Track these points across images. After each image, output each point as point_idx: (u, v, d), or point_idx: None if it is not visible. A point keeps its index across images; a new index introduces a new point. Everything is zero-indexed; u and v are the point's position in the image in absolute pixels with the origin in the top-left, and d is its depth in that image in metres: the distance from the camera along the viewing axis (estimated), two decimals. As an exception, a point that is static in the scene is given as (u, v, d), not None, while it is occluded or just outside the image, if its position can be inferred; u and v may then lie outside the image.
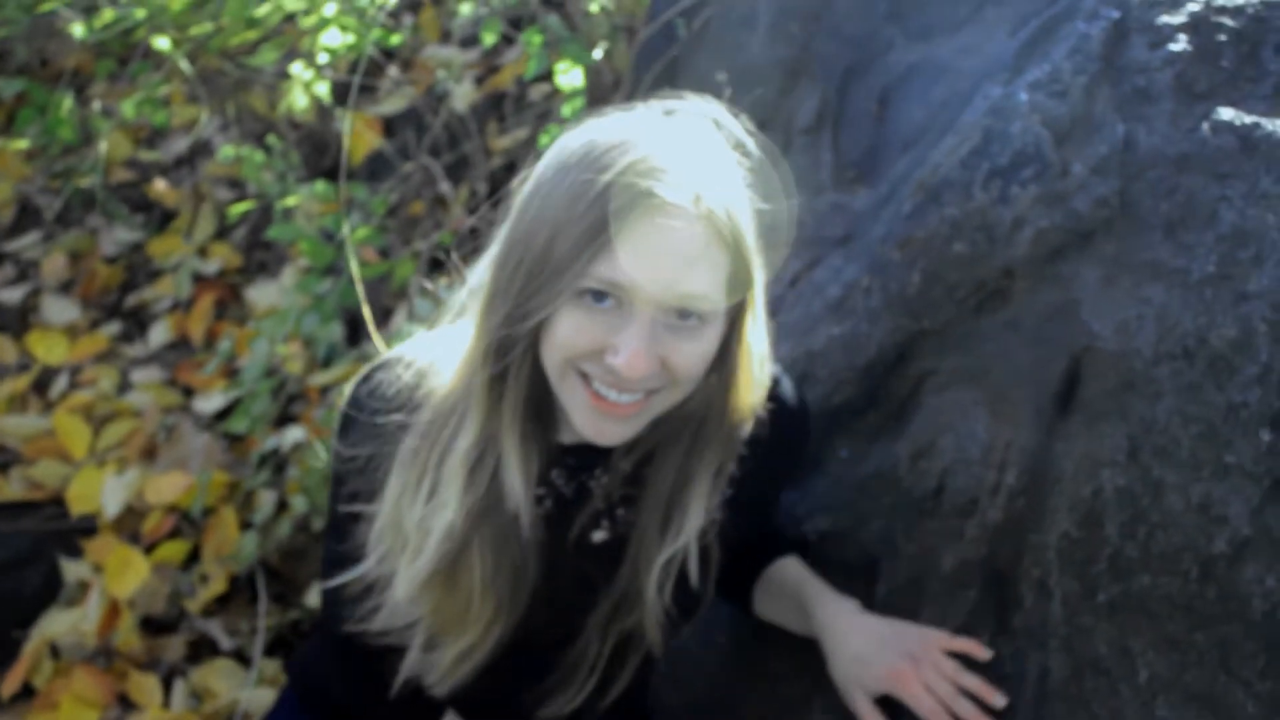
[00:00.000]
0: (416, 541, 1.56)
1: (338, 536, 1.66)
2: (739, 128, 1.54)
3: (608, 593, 1.65)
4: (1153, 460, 1.59)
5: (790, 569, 1.88)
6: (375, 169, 3.46)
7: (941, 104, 2.16)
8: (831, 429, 2.00)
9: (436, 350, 1.61)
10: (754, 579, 1.91)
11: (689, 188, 1.39)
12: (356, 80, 2.70)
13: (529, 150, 3.08)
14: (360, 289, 2.50)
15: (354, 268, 2.46)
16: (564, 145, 1.46)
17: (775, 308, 2.22)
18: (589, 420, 1.47)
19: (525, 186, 1.48)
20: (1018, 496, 1.71)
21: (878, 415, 1.95)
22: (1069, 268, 1.77)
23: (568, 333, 1.41)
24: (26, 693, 2.81)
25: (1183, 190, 1.70)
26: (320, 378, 3.14)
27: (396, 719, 1.78)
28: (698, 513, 1.61)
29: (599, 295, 1.39)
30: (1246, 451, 1.53)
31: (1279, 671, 1.47)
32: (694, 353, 1.44)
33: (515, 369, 1.47)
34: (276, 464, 2.95)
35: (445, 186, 3.11)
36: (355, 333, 3.12)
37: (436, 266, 3.06)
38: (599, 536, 1.66)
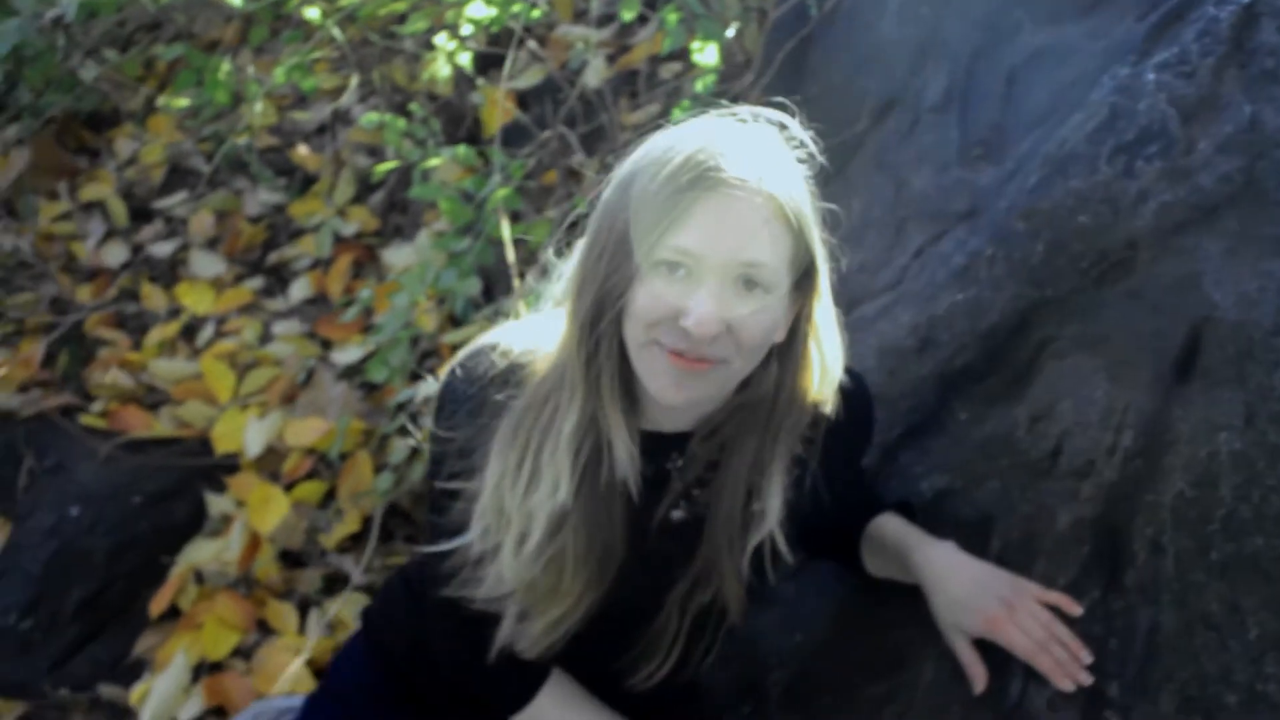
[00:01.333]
0: (521, 525, 1.63)
1: (438, 511, 1.72)
2: (805, 134, 1.62)
3: (686, 571, 1.71)
4: (1269, 426, 1.61)
5: (889, 524, 1.92)
6: (509, 141, 3.54)
7: (1069, 84, 2.18)
8: (951, 392, 2.04)
9: (529, 337, 1.68)
10: (858, 539, 1.96)
11: (752, 169, 1.49)
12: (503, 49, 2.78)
13: (660, 126, 3.15)
14: (507, 232, 2.57)
15: (492, 225, 2.55)
16: (641, 148, 1.57)
17: (899, 277, 2.28)
18: (667, 381, 1.53)
19: (609, 183, 1.58)
20: (1134, 458, 1.74)
21: (998, 380, 1.98)
22: (1192, 240, 1.79)
23: (646, 301, 1.51)
24: (173, 613, 2.95)
25: (1309, 169, 1.73)
26: (452, 336, 3.24)
27: (490, 685, 1.84)
28: (776, 497, 1.66)
29: (673, 266, 1.49)
30: (1363, 420, 1.55)
31: (1387, 633, 1.50)
32: (757, 322, 1.52)
33: (606, 349, 1.56)
34: (410, 414, 3.05)
35: (579, 157, 3.19)
36: (488, 291, 3.22)
37: (568, 235, 3.14)
38: (677, 516, 1.71)
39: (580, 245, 1.61)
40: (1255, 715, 1.53)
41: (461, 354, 1.72)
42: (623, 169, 1.57)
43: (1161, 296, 1.80)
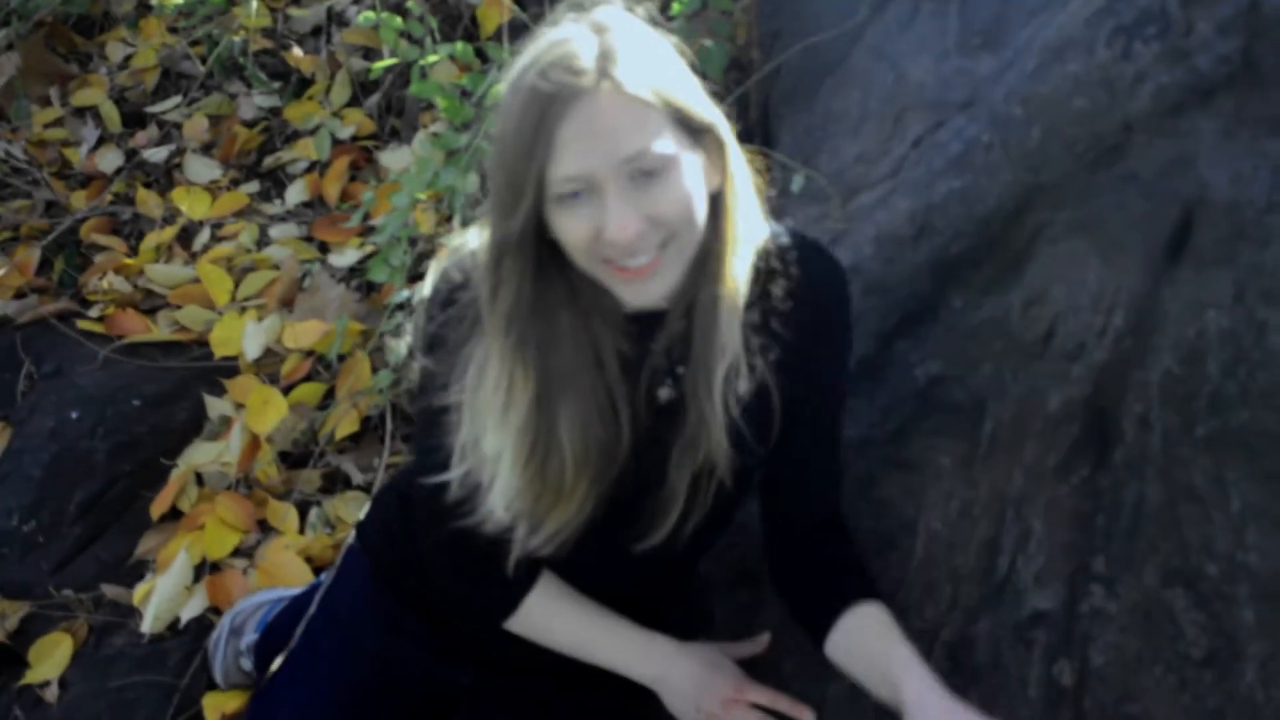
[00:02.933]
0: (493, 467, 1.73)
1: (431, 432, 1.79)
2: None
3: (679, 438, 1.78)
4: (1257, 302, 1.66)
5: (875, 622, 1.81)
6: (508, 39, 3.56)
7: (1072, -29, 2.21)
8: (947, 280, 2.09)
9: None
10: (835, 616, 1.83)
11: (590, 70, 1.53)
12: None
13: (659, 20, 3.17)
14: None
15: (490, 121, 2.59)
16: (500, 100, 1.63)
17: (897, 167, 2.32)
18: (627, 291, 1.64)
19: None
20: (1124, 337, 1.79)
21: (993, 266, 2.03)
22: (1188, 122, 1.83)
23: (567, 234, 1.59)
24: (174, 514, 3.02)
25: (1307, 48, 1.76)
26: (450, 238, 3.28)
27: (480, 595, 1.95)
28: (734, 329, 1.71)
29: (570, 194, 1.55)
30: (1352, 297, 1.60)
31: (1368, 504, 1.56)
32: (674, 199, 1.58)
33: (517, 288, 1.63)
34: (409, 314, 3.11)
35: (576, 53, 3.20)
36: (485, 189, 3.26)
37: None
38: (665, 395, 1.79)
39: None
40: (1235, 584, 1.60)
41: (438, 267, 1.80)
42: (497, 128, 1.63)
43: (1155, 179, 1.84)
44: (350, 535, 2.24)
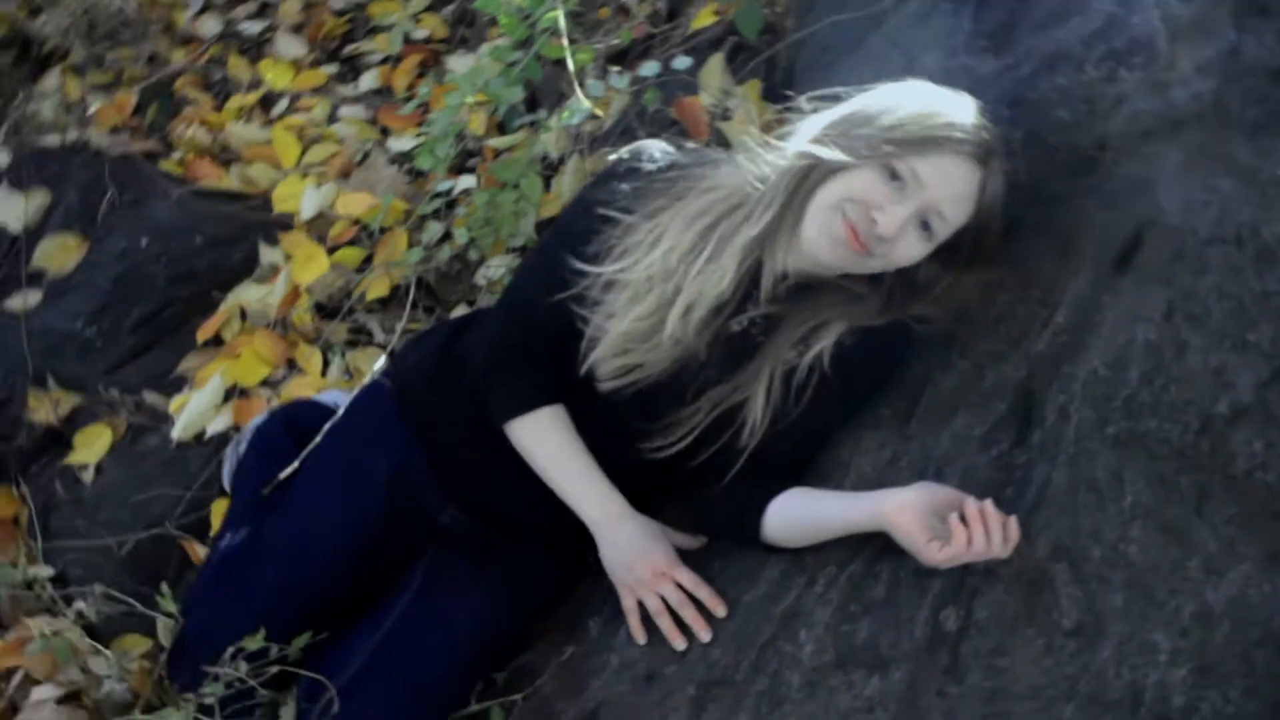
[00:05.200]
0: (690, 295, 1.79)
1: (586, 237, 1.86)
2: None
3: (729, 377, 1.81)
4: (1184, 324, 1.59)
5: (799, 493, 1.83)
6: (574, -28, 3.43)
7: (1080, -6, 2.09)
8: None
9: (673, 150, 1.91)
10: (768, 500, 1.84)
11: (986, 158, 1.72)
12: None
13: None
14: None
15: (542, 43, 2.49)
16: (919, 85, 1.83)
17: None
18: (828, 241, 1.72)
19: (876, 89, 1.83)
20: (1062, 333, 1.72)
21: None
22: (1155, 149, 1.74)
23: (861, 184, 1.70)
24: (216, 341, 2.98)
25: (1272, 100, 1.67)
26: (496, 141, 3.20)
27: (506, 385, 1.95)
28: (828, 342, 1.79)
29: (898, 176, 1.68)
30: (1267, 334, 1.54)
31: (1242, 521, 1.50)
32: (911, 250, 1.73)
33: (804, 190, 1.74)
34: (448, 203, 3.03)
35: (631, -5, 3.10)
36: (532, 104, 3.17)
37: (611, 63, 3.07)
38: (736, 327, 1.82)
39: (831, 114, 1.80)
40: (1113, 570, 1.55)
41: (629, 147, 1.93)
42: (894, 92, 1.80)
43: (1117, 195, 1.76)
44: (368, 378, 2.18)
